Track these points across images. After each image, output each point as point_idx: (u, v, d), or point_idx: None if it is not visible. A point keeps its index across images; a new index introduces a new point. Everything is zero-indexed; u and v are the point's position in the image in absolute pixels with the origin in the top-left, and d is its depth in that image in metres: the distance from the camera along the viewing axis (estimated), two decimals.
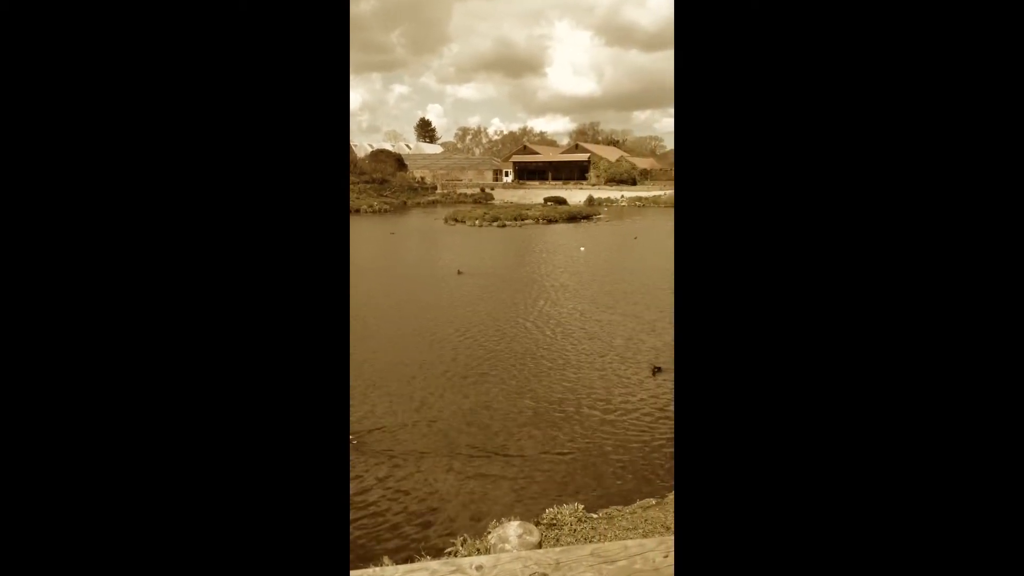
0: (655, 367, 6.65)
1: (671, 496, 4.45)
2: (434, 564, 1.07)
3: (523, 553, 1.05)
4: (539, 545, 1.15)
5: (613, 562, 1.07)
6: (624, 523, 3.96)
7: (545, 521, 4.01)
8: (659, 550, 1.11)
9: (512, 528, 1.18)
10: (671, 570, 1.09)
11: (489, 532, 3.42)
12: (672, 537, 1.16)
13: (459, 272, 14.26)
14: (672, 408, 6.07)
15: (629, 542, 1.11)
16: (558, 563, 1.05)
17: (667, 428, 5.68)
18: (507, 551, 1.29)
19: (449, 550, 3.55)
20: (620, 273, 14.20)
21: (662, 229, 25.40)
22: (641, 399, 6.32)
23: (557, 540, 3.69)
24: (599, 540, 3.65)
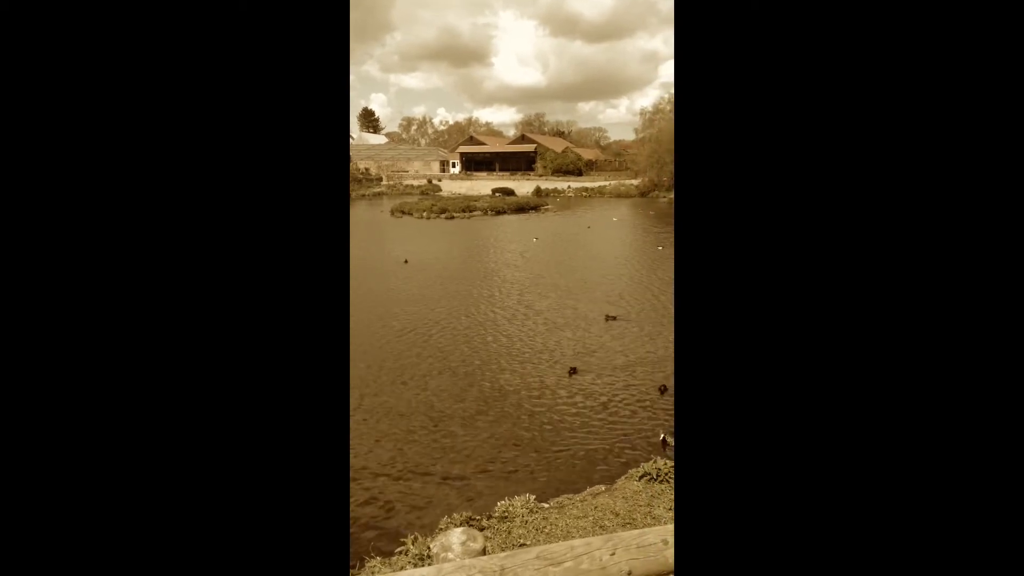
0: (572, 368, 6.59)
1: (620, 482, 4.53)
2: None
3: (467, 561, 1.01)
4: (483, 551, 1.12)
5: (559, 564, 1.05)
6: (575, 511, 4.00)
7: (497, 514, 4.00)
8: (605, 548, 1.10)
9: (455, 535, 1.14)
10: (618, 568, 1.08)
11: (432, 537, 3.38)
12: (619, 534, 1.15)
13: (405, 261, 14.14)
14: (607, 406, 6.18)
15: (575, 542, 1.10)
16: (503, 568, 1.02)
17: (618, 420, 5.79)
18: (450, 560, 1.25)
19: (400, 550, 3.49)
20: (583, 262, 14.35)
21: (612, 218, 25.87)
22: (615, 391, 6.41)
23: (509, 532, 3.69)
24: (550, 530, 3.67)
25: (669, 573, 1.14)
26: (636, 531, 1.16)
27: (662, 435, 5.04)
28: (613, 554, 1.10)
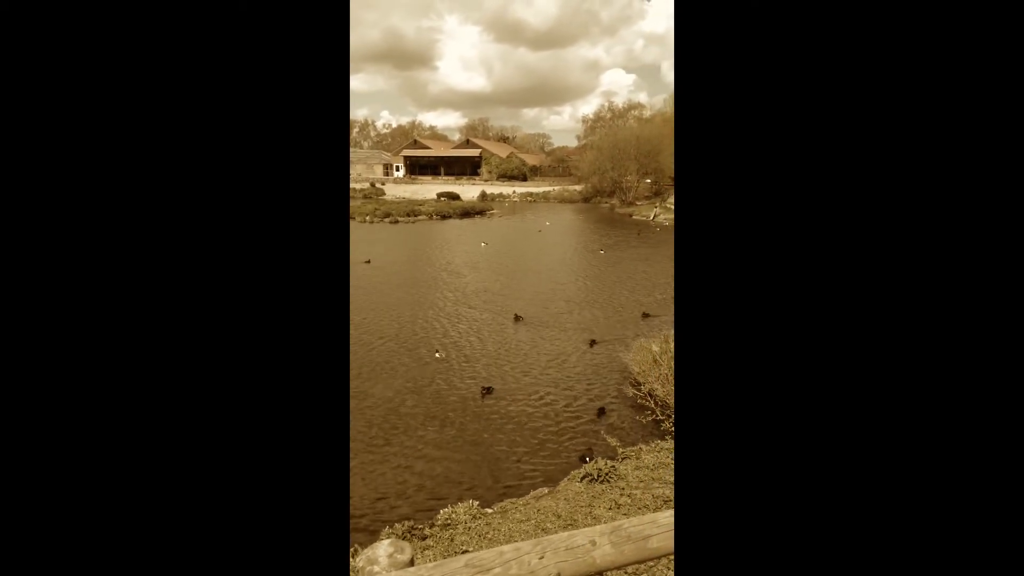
0: (484, 387, 6.42)
1: (562, 483, 4.59)
2: None
3: (393, 574, 0.99)
4: (411, 562, 1.11)
5: (488, 570, 1.05)
6: (518, 515, 4.01)
7: (440, 522, 3.96)
8: (534, 552, 1.10)
9: (382, 548, 1.13)
10: (546, 571, 1.09)
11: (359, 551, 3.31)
12: (548, 537, 1.17)
13: (367, 262, 14.18)
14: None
15: (505, 547, 1.10)
16: None
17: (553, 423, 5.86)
18: (376, 573, 1.22)
19: None
20: (531, 265, 14.41)
21: (560, 223, 26.21)
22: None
23: (451, 540, 3.66)
24: (493, 535, 3.66)
25: (597, 573, 1.16)
26: (565, 533, 1.17)
27: (584, 457, 4.97)
28: (542, 557, 1.11)
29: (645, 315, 9.39)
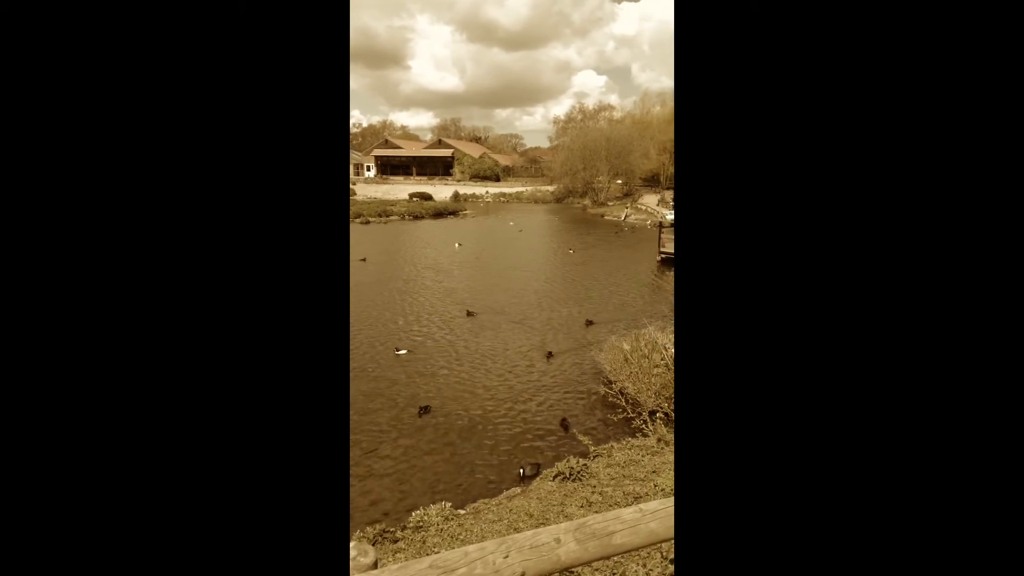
0: (421, 407, 6.19)
1: (535, 482, 4.61)
2: None
3: None
4: (375, 565, 1.10)
5: (453, 571, 1.05)
6: (490, 515, 4.01)
7: (412, 524, 3.93)
8: (499, 551, 1.11)
9: None
10: (511, 570, 1.10)
11: None
12: (513, 536, 1.18)
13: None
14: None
15: (469, 547, 1.10)
16: None
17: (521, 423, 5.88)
18: None
19: None
20: (505, 266, 14.40)
21: (534, 223, 26.27)
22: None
23: (423, 542, 3.64)
24: (465, 536, 3.66)
25: (562, 571, 1.18)
26: (529, 532, 1.18)
27: (520, 469, 4.89)
28: (507, 556, 1.12)
29: (589, 322, 9.34)
